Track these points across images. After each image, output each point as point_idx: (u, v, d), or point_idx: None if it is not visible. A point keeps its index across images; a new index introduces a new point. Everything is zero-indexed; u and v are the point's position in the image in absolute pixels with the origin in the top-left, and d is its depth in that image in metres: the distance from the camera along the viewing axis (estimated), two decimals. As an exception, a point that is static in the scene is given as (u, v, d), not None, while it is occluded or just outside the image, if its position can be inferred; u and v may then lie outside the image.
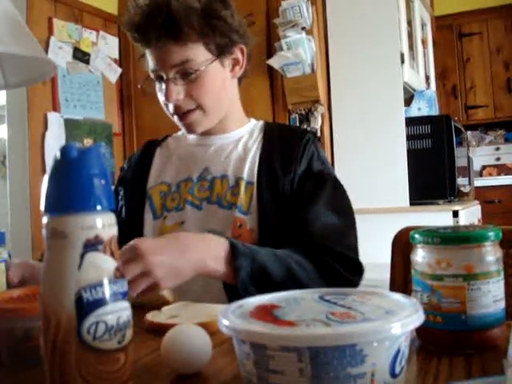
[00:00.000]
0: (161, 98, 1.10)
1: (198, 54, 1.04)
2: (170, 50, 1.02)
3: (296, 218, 1.03)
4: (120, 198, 1.22)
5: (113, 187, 1.21)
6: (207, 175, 1.11)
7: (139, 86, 1.16)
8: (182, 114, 1.08)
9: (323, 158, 1.12)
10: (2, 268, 0.83)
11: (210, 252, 0.87)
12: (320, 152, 1.12)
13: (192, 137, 1.19)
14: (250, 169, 1.09)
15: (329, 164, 1.14)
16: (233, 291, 0.89)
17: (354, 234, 1.04)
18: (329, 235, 0.99)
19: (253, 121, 1.21)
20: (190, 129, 1.11)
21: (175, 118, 1.11)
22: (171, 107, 1.08)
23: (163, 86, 1.06)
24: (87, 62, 2.73)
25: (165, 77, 1.05)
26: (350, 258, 0.98)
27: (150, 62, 1.07)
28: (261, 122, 1.21)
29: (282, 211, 1.04)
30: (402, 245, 1.02)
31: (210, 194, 1.09)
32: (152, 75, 1.09)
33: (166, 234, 1.07)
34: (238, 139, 1.15)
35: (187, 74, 1.04)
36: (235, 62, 1.11)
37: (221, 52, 1.07)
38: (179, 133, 1.25)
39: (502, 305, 0.60)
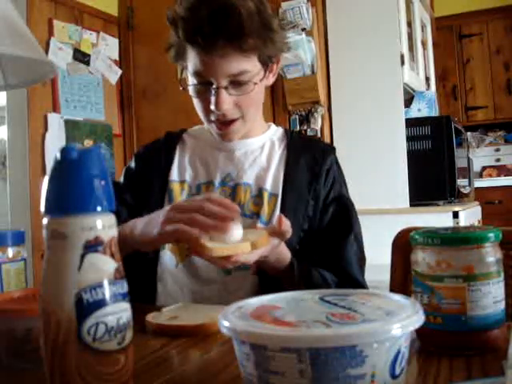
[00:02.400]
0: (198, 101, 1.07)
1: (254, 64, 1.03)
2: (232, 59, 0.99)
3: (322, 243, 1.07)
4: (129, 188, 1.16)
5: (119, 181, 1.18)
6: (229, 181, 1.11)
7: (181, 87, 1.09)
8: (224, 122, 1.06)
9: (342, 179, 1.17)
10: (21, 266, 0.83)
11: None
12: (340, 171, 1.17)
13: (210, 138, 1.17)
14: (274, 180, 1.10)
15: (345, 181, 1.18)
16: None
17: (365, 264, 1.14)
18: (356, 267, 1.08)
19: (273, 127, 1.20)
20: (228, 137, 1.10)
21: (213, 126, 1.09)
22: (215, 114, 1.05)
23: (212, 92, 1.02)
24: (87, 63, 2.73)
25: (215, 84, 1.01)
26: (365, 287, 1.08)
27: (198, 64, 1.01)
28: (280, 130, 1.21)
29: (302, 228, 1.07)
30: (402, 246, 1.02)
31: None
32: (193, 77, 1.05)
33: None
34: (262, 146, 1.15)
35: (240, 84, 1.02)
36: (270, 70, 1.11)
37: (269, 62, 1.07)
38: (195, 128, 1.23)
39: (502, 306, 0.60)
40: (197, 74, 1.03)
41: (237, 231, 0.82)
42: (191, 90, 1.07)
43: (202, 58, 1.00)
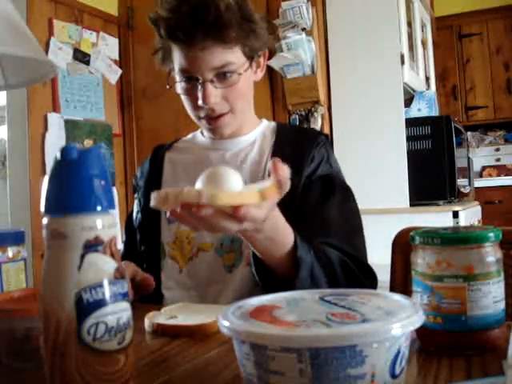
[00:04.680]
0: (187, 98, 1.07)
1: (238, 56, 1.04)
2: (214, 52, 1.00)
3: (304, 220, 1.00)
4: (136, 205, 1.22)
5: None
6: None
7: (168, 85, 1.10)
8: (213, 117, 1.06)
9: (332, 161, 1.11)
10: (21, 266, 0.83)
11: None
12: (330, 155, 1.12)
13: (204, 140, 1.18)
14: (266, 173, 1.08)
15: (338, 168, 1.13)
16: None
17: (362, 238, 1.05)
18: (339, 237, 0.98)
19: (265, 122, 1.20)
20: (219, 132, 1.10)
21: (203, 122, 1.09)
22: (204, 110, 1.06)
23: (199, 87, 1.03)
24: (87, 62, 2.73)
25: (201, 79, 1.02)
26: (358, 259, 0.97)
27: (182, 61, 1.03)
28: (273, 124, 1.20)
29: (289, 212, 1.02)
30: (402, 246, 1.02)
31: None
32: (179, 75, 1.06)
33: (183, 238, 1.08)
34: (253, 142, 1.14)
35: (225, 77, 1.03)
36: (257, 65, 1.12)
37: (253, 55, 1.08)
38: (189, 136, 1.24)
39: (502, 305, 0.60)
40: (182, 71, 1.04)
41: (236, 180, 0.70)
42: (179, 89, 1.08)
43: (185, 54, 1.02)
